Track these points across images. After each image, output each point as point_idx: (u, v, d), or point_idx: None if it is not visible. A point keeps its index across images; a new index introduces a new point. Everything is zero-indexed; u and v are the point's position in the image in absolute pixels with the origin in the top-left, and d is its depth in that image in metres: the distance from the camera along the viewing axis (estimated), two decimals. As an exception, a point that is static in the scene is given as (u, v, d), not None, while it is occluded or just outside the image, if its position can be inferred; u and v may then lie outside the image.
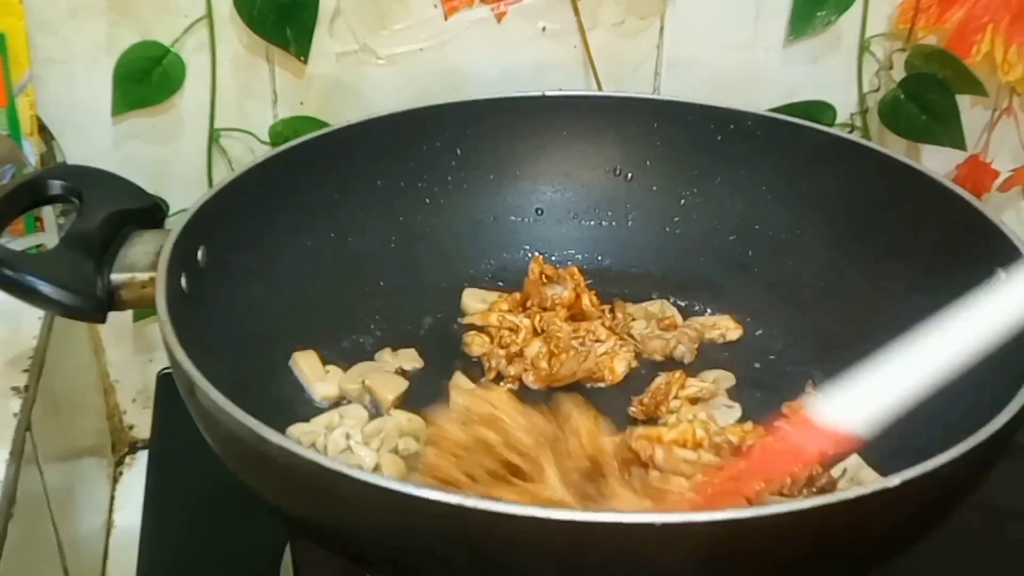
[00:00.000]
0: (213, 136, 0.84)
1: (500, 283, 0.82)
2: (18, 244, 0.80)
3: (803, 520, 0.48)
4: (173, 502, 0.78)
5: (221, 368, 0.57)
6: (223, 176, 0.74)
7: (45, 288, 0.62)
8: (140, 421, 0.95)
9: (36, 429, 0.71)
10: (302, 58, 0.82)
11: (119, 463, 0.95)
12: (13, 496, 0.66)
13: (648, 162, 0.83)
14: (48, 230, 0.80)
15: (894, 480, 0.49)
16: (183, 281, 0.64)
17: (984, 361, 0.65)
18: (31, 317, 0.76)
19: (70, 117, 0.81)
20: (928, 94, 0.88)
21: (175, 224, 0.66)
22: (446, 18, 0.84)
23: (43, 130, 0.81)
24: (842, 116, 0.91)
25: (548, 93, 0.82)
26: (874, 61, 0.90)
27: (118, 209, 0.67)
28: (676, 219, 0.83)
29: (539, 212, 0.84)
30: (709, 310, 0.80)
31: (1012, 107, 0.91)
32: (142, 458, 0.93)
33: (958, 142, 0.88)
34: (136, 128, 0.83)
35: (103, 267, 0.64)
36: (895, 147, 0.91)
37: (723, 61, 0.89)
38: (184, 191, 0.83)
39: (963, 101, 0.88)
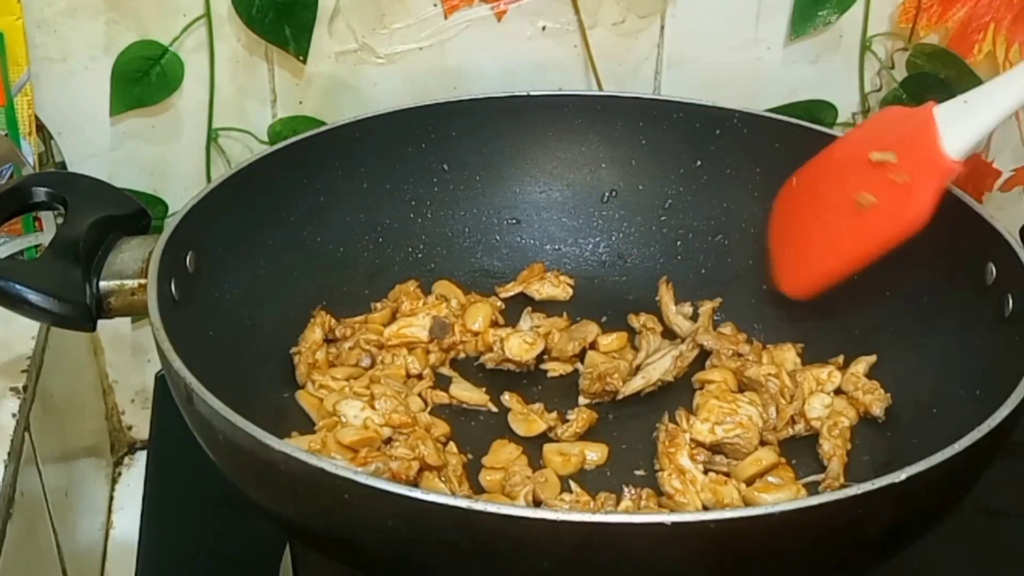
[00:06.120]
0: (212, 136, 0.84)
1: (479, 288, 0.81)
2: (16, 244, 0.80)
3: (811, 516, 0.49)
4: (172, 502, 0.78)
5: (215, 374, 0.57)
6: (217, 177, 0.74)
7: (34, 297, 0.62)
8: (139, 422, 0.95)
9: (35, 430, 0.71)
10: (301, 57, 0.81)
11: (118, 464, 0.95)
12: (12, 497, 0.66)
13: (633, 161, 0.83)
14: (47, 230, 0.80)
15: (900, 475, 0.50)
16: (173, 287, 0.64)
17: (980, 356, 0.65)
18: (29, 317, 0.76)
19: (68, 117, 0.81)
20: (930, 93, 0.87)
21: (166, 228, 0.66)
22: (446, 17, 0.84)
23: (41, 129, 0.80)
24: (843, 116, 0.91)
25: (533, 93, 0.82)
26: (875, 60, 0.90)
27: (103, 215, 0.67)
28: (663, 219, 0.83)
29: (523, 213, 0.84)
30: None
31: (1013, 106, 0.91)
32: (141, 458, 0.93)
33: (959, 141, 0.88)
34: (134, 128, 0.83)
35: (91, 275, 0.64)
36: (896, 146, 0.90)
37: (724, 60, 0.88)
38: (182, 191, 0.83)
39: (964, 100, 0.88)
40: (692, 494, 0.64)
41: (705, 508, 0.64)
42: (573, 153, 0.83)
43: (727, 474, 0.67)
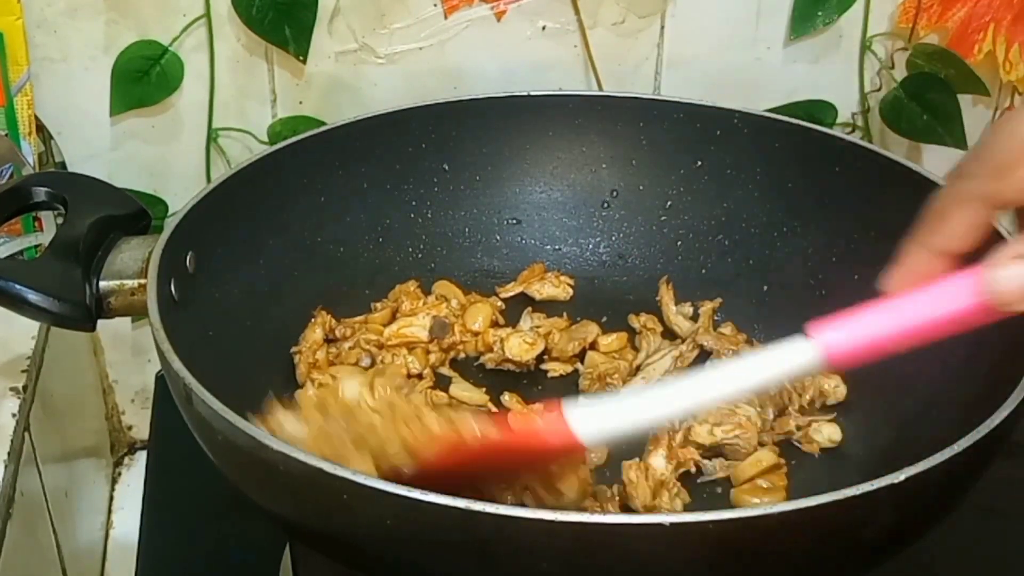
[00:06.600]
0: (212, 136, 0.84)
1: (479, 288, 0.81)
2: (16, 244, 0.80)
3: (811, 516, 0.48)
4: (172, 502, 0.78)
5: (215, 374, 0.57)
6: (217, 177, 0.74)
7: (34, 297, 0.62)
8: (139, 422, 0.95)
9: (35, 430, 0.71)
10: (301, 57, 0.82)
11: (118, 464, 0.95)
12: (12, 497, 0.66)
13: (634, 161, 0.83)
14: (47, 230, 0.80)
15: (900, 476, 0.50)
16: (172, 287, 0.64)
17: (980, 357, 0.65)
18: (29, 317, 0.76)
19: (68, 117, 0.81)
20: (930, 93, 0.88)
21: (166, 228, 0.66)
22: (446, 17, 0.84)
23: (41, 129, 0.80)
24: (843, 116, 0.91)
25: (533, 93, 0.82)
26: (875, 60, 0.90)
27: (103, 215, 0.67)
28: (663, 219, 0.83)
29: (524, 213, 0.84)
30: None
31: (1013, 106, 0.91)
32: (141, 458, 0.93)
33: (960, 142, 0.88)
34: (134, 128, 0.83)
35: (91, 274, 0.64)
36: (897, 147, 0.90)
37: (724, 60, 0.88)
38: (183, 191, 0.83)
39: (965, 100, 0.88)
40: (643, 487, 0.64)
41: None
42: (573, 153, 0.83)
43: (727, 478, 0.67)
